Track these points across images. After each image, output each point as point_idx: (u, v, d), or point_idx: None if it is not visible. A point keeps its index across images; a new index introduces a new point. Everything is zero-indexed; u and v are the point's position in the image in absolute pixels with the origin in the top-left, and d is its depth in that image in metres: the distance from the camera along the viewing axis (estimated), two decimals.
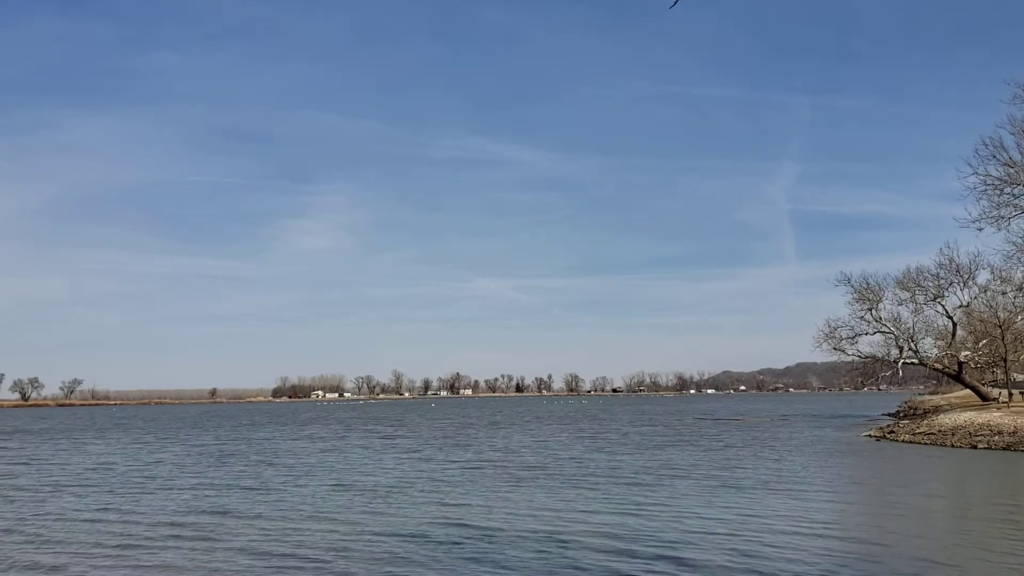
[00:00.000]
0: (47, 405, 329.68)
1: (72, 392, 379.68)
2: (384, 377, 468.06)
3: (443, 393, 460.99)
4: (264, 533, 22.18)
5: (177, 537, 21.81)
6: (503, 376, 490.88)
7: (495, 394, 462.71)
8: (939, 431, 52.34)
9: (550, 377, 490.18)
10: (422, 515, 24.65)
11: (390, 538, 21.06)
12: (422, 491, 30.81)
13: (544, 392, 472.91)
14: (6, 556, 19.90)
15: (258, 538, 21.42)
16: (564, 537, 20.58)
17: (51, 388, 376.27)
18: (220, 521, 24.34)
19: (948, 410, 66.64)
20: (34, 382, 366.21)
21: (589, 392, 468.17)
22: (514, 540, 20.38)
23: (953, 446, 47.18)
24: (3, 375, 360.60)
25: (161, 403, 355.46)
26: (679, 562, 17.54)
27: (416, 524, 23.05)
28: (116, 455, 53.60)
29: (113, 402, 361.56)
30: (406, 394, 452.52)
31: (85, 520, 25.07)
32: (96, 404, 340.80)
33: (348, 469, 40.59)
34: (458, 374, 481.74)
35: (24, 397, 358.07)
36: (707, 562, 17.42)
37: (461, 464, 42.33)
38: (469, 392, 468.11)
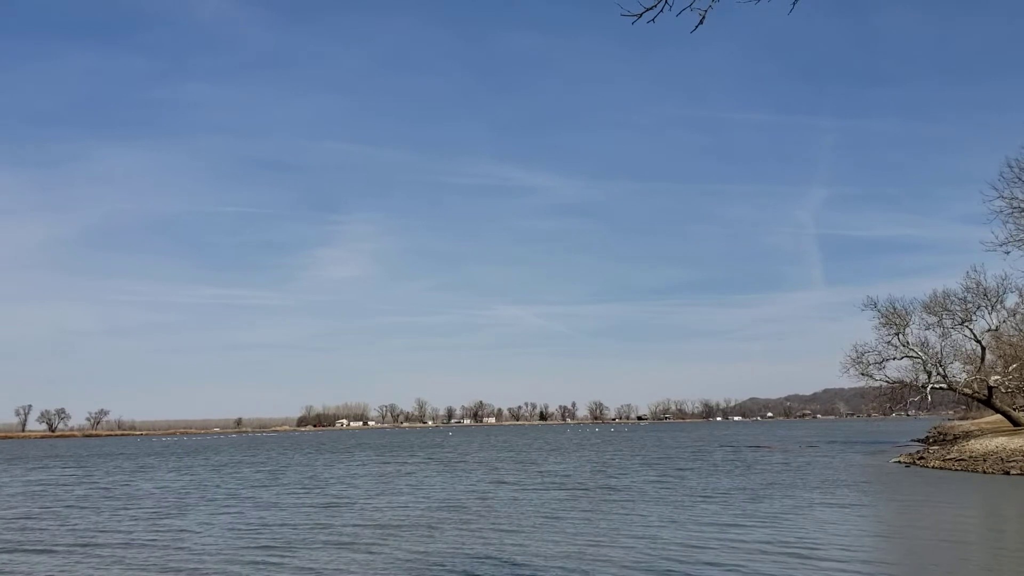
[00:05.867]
0: (74, 436, 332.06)
1: (99, 423, 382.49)
2: (407, 405, 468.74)
3: (466, 421, 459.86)
4: (410, 540, 24.64)
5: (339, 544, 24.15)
6: (527, 404, 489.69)
7: (519, 422, 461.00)
8: (970, 457, 51.49)
9: (574, 405, 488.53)
10: (549, 529, 26.36)
11: (531, 544, 23.16)
12: (531, 507, 33.08)
13: (568, 420, 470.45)
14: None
15: (402, 544, 23.89)
16: (713, 547, 22.25)
17: (78, 419, 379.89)
18: (364, 532, 26.62)
19: (979, 435, 65.94)
20: (61, 413, 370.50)
21: (614, 420, 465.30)
22: (667, 552, 21.64)
23: (985, 472, 46.15)
24: (31, 406, 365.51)
25: (187, 433, 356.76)
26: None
27: (546, 538, 24.53)
28: (209, 477, 57.43)
29: (139, 432, 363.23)
30: (429, 422, 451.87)
31: (227, 530, 27.91)
32: (123, 435, 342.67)
33: (438, 488, 43.30)
34: (481, 402, 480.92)
35: (51, 428, 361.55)
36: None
37: (543, 484, 44.78)
38: (492, 420, 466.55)
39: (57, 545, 25.34)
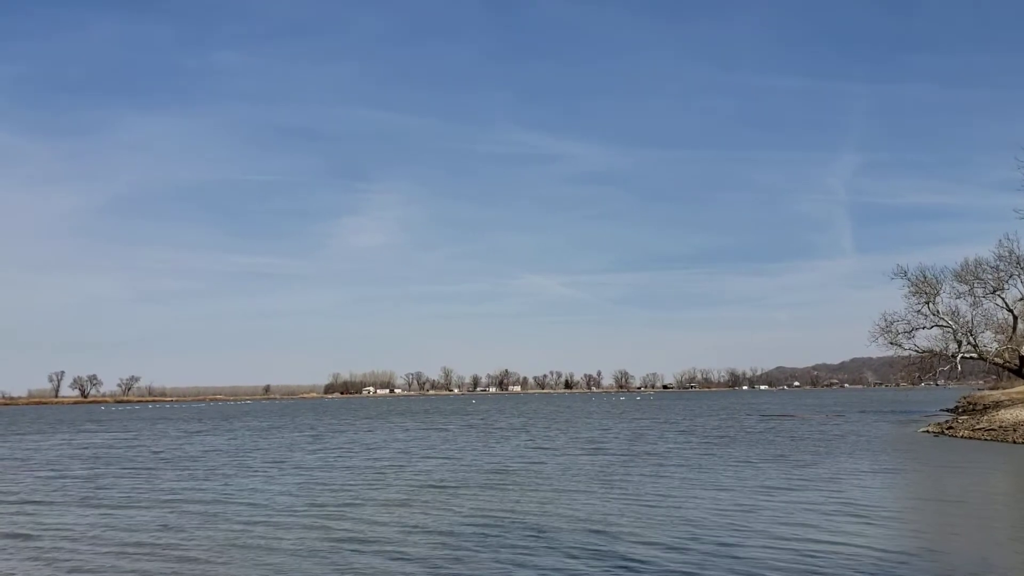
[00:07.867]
0: (106, 401, 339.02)
1: (129, 389, 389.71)
2: (433, 373, 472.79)
3: (492, 389, 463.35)
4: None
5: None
6: (552, 373, 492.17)
7: (544, 391, 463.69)
8: (1000, 427, 51.53)
9: (599, 373, 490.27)
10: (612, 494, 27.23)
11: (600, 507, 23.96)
12: (578, 471, 34.47)
13: (593, 389, 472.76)
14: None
15: (456, 503, 25.42)
16: (766, 508, 23.41)
17: (109, 385, 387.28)
18: (419, 492, 27.14)
19: (1009, 405, 65.95)
20: (93, 379, 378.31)
21: (639, 388, 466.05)
22: (724, 513, 22.68)
23: (1015, 442, 46.38)
24: (64, 372, 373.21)
25: (216, 399, 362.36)
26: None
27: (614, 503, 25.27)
28: (252, 441, 59.93)
29: (169, 399, 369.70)
30: (455, 390, 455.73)
31: (284, 489, 27.88)
32: (153, 400, 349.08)
33: (479, 452, 45.20)
34: (507, 370, 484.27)
35: (84, 394, 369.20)
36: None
37: (583, 450, 45.99)
38: (518, 389, 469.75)
39: (131, 501, 26.83)
